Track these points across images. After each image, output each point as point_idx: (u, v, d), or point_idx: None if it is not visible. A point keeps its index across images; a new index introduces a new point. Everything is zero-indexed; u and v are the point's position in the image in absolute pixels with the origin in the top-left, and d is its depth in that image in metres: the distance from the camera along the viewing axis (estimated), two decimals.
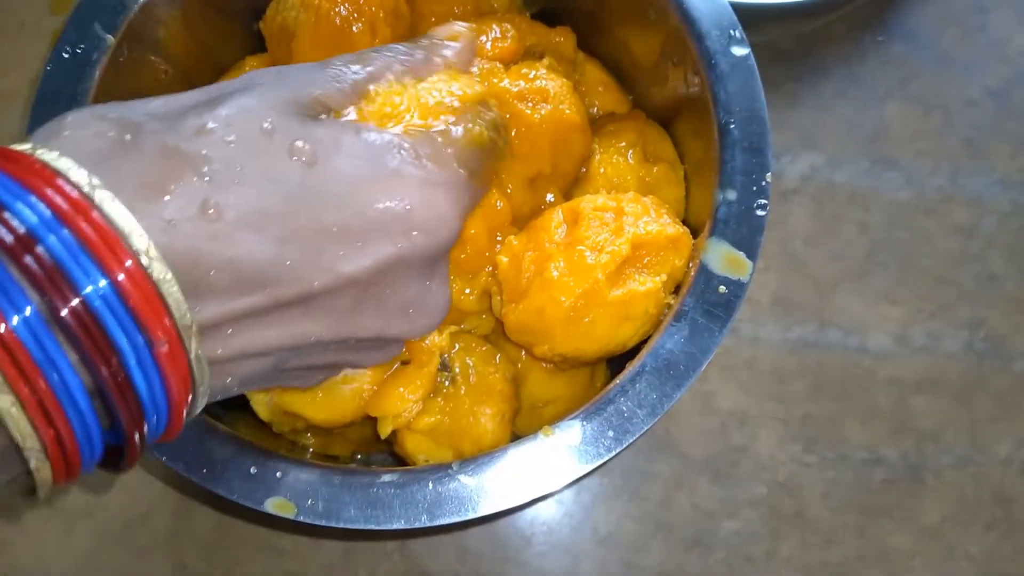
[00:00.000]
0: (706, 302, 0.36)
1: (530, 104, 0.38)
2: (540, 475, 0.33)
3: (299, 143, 0.25)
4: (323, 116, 0.27)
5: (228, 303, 0.24)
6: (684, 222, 0.40)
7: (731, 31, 0.39)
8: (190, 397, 0.24)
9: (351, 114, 0.28)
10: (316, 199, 0.25)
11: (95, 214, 0.21)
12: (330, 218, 0.25)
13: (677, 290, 0.38)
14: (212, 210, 0.23)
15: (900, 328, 0.53)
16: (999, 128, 0.58)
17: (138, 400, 0.22)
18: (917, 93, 0.58)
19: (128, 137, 0.23)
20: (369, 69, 0.30)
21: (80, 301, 0.21)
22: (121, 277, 0.21)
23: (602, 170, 0.42)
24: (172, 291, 0.22)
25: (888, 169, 0.56)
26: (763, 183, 0.37)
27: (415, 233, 0.27)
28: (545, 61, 0.40)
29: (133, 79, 0.41)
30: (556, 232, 0.38)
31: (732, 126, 0.38)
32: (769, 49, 0.58)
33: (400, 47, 0.33)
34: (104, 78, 0.39)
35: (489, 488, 0.33)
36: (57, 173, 0.21)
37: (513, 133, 0.39)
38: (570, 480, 0.33)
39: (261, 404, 0.38)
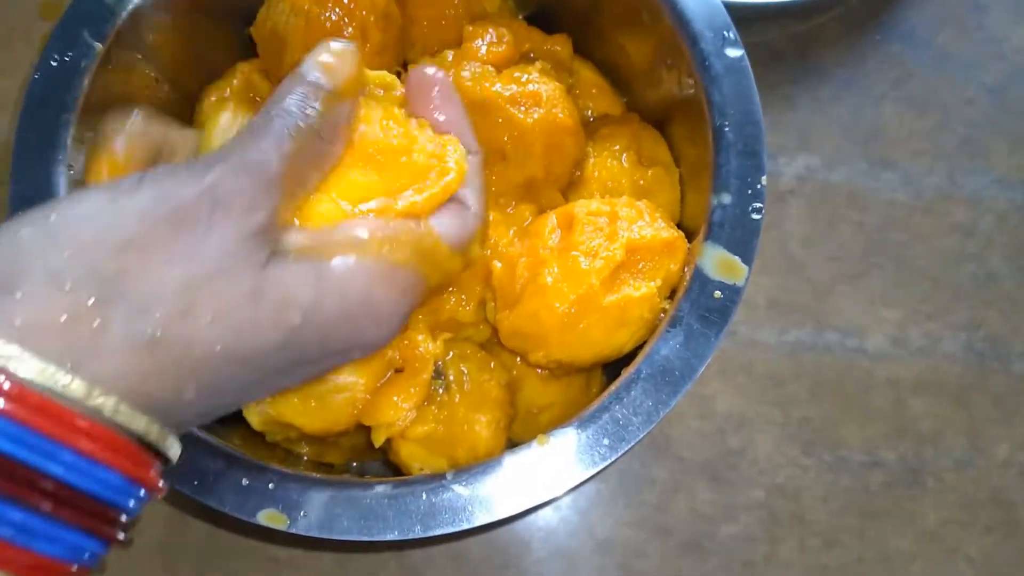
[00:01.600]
0: (702, 307, 0.36)
1: (523, 108, 0.38)
2: (535, 484, 0.33)
3: (284, 306, 0.25)
4: (278, 244, 0.26)
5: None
6: (679, 226, 0.40)
7: (725, 32, 0.39)
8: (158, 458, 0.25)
9: (294, 233, 0.27)
10: (291, 353, 0.26)
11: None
12: (299, 361, 0.27)
13: (672, 295, 0.38)
14: (190, 388, 0.24)
15: (898, 329, 0.53)
16: (996, 126, 0.57)
17: (99, 503, 0.23)
18: (914, 92, 0.58)
19: (98, 319, 0.22)
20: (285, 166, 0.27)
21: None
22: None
23: (596, 174, 0.42)
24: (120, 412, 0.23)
25: (885, 169, 0.56)
26: (758, 186, 0.37)
27: (359, 353, 0.29)
28: (537, 65, 0.40)
29: (122, 86, 0.41)
30: (550, 237, 0.38)
31: (727, 129, 0.38)
32: (764, 50, 0.58)
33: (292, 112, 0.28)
34: (93, 85, 0.39)
35: (484, 498, 0.33)
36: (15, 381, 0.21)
37: (506, 138, 0.39)
38: (565, 489, 0.33)
39: (254, 414, 0.38)
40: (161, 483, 0.25)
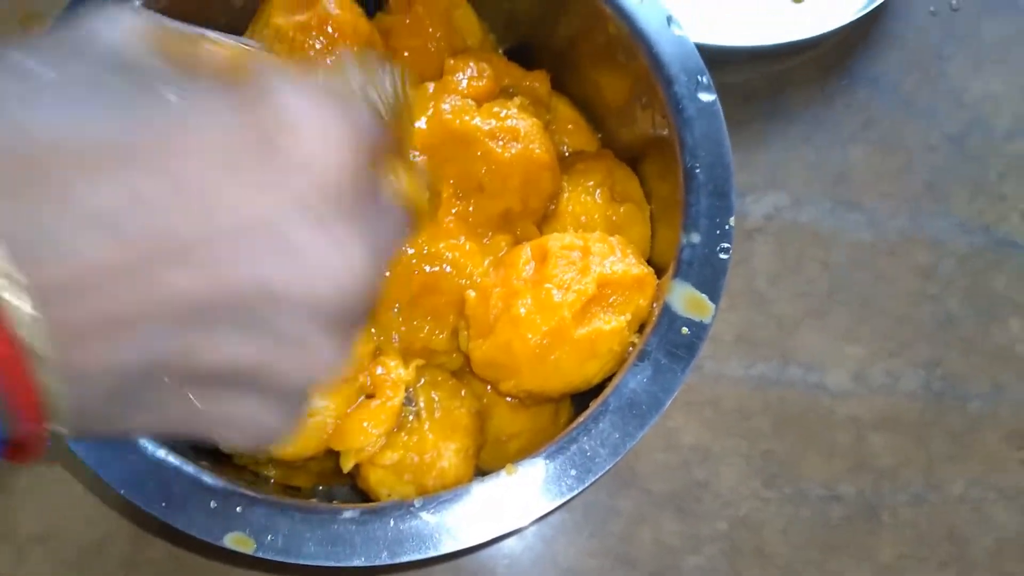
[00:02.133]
0: (669, 342, 0.36)
1: (501, 142, 0.39)
2: (502, 514, 0.33)
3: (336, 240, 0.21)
4: None
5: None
6: (649, 261, 0.40)
7: (699, 77, 0.40)
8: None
9: None
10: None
11: None
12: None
13: (641, 329, 0.39)
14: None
15: (860, 366, 0.54)
16: (957, 172, 0.59)
17: None
18: (879, 136, 0.60)
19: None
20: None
21: None
22: None
23: (570, 208, 0.43)
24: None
25: (851, 210, 0.58)
26: (727, 227, 0.38)
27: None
28: (516, 100, 0.41)
29: None
30: (524, 269, 0.38)
31: (697, 170, 0.39)
32: (737, 90, 0.59)
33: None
34: None
35: (451, 526, 0.33)
36: None
37: (484, 170, 0.39)
38: (532, 519, 0.33)
39: None
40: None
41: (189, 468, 0.34)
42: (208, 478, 0.34)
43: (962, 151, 0.60)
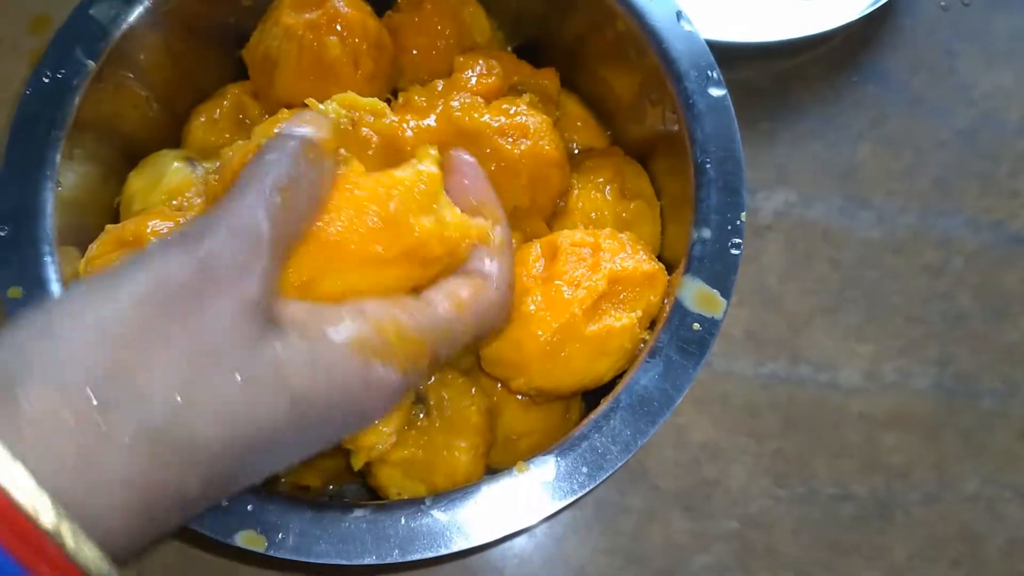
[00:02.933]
0: (680, 339, 0.36)
1: (510, 139, 0.39)
2: (513, 511, 0.33)
3: (278, 385, 0.24)
4: (272, 315, 0.25)
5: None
6: (660, 258, 0.40)
7: (709, 72, 0.40)
8: None
9: (292, 305, 0.26)
10: (291, 435, 0.25)
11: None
12: (301, 442, 0.26)
13: (652, 326, 0.39)
14: (192, 483, 0.23)
15: (870, 364, 0.54)
16: (967, 168, 0.59)
17: None
18: (888, 133, 0.59)
19: (96, 418, 0.22)
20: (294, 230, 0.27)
21: None
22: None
23: (580, 205, 0.43)
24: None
25: (860, 207, 0.57)
26: (738, 222, 0.38)
27: (357, 426, 0.29)
28: (526, 97, 0.41)
29: (112, 104, 0.41)
30: (534, 266, 0.38)
31: (708, 165, 0.39)
32: (746, 87, 0.59)
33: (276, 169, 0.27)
34: (84, 103, 0.39)
35: (462, 524, 0.33)
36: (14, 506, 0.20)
37: (493, 167, 0.39)
38: (543, 517, 0.33)
39: None
40: None
41: None
42: None
43: (972, 147, 0.59)
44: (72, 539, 0.21)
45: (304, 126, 0.28)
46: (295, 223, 0.27)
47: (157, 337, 0.23)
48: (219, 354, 0.23)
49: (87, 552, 0.21)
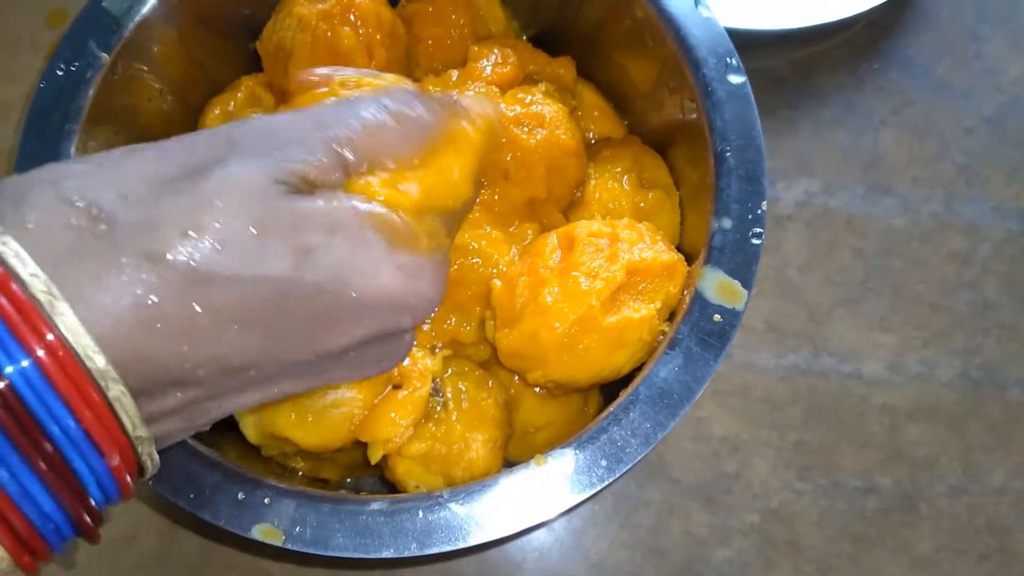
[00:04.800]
0: (701, 330, 0.36)
1: (526, 129, 0.38)
2: (532, 505, 0.33)
3: (292, 237, 0.24)
4: (311, 191, 0.25)
5: (209, 387, 0.24)
6: (679, 249, 0.40)
7: (728, 59, 0.39)
8: (137, 467, 0.24)
9: (338, 193, 0.26)
10: (306, 290, 0.24)
11: (50, 334, 0.21)
12: (319, 306, 0.25)
13: (671, 317, 0.38)
14: (200, 312, 0.22)
15: (894, 355, 0.53)
16: (994, 155, 0.58)
17: (80, 485, 0.22)
18: (912, 120, 0.58)
19: (103, 228, 0.22)
20: (362, 140, 0.27)
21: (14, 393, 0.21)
22: (85, 416, 0.21)
23: (597, 195, 0.42)
24: (124, 404, 0.22)
25: (883, 196, 0.56)
26: (759, 211, 0.37)
27: (400, 314, 0.26)
28: (542, 87, 0.40)
29: (127, 97, 0.41)
30: (551, 257, 0.38)
31: (728, 154, 0.38)
32: (766, 75, 0.58)
33: (403, 94, 0.29)
34: (98, 95, 0.39)
35: (480, 517, 0.33)
36: (12, 276, 0.21)
37: (508, 158, 0.39)
38: (562, 510, 0.33)
39: (250, 427, 0.38)
40: (132, 489, 0.24)
41: (217, 459, 0.34)
42: (236, 469, 0.34)
43: (999, 134, 0.58)
44: (66, 321, 0.21)
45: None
46: (376, 149, 0.26)
47: (169, 176, 0.23)
48: (232, 201, 0.23)
49: (129, 407, 0.22)
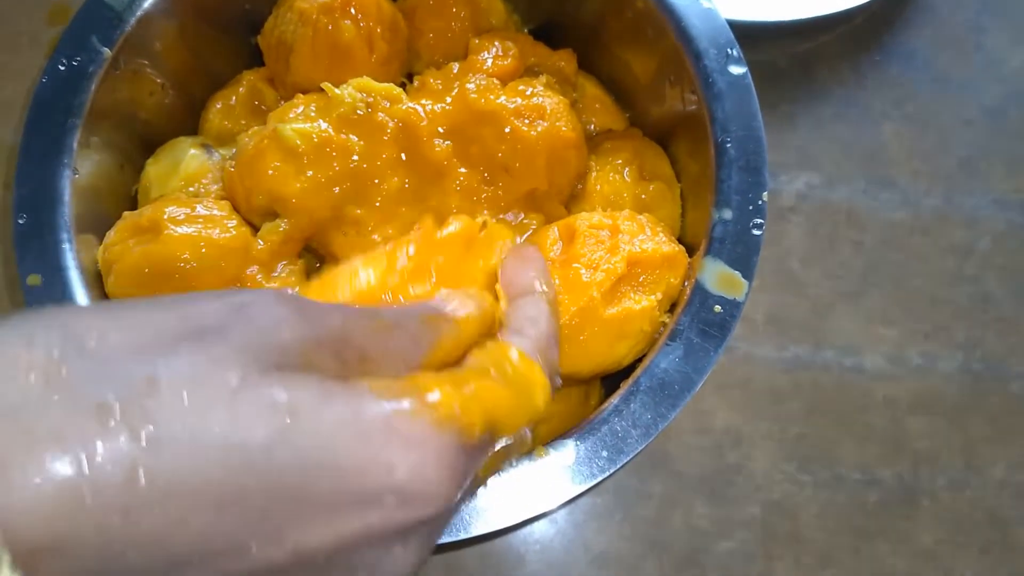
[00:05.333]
0: (701, 321, 0.36)
1: (527, 121, 0.38)
2: (533, 496, 0.33)
3: (273, 401, 0.20)
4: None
5: None
6: (680, 240, 0.40)
7: (729, 50, 0.39)
8: None
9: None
10: (281, 468, 0.19)
11: None
12: (300, 484, 0.20)
13: (672, 308, 0.38)
14: (141, 478, 0.18)
15: (895, 348, 0.53)
16: (994, 148, 0.58)
17: None
18: (913, 113, 0.58)
19: (59, 380, 0.19)
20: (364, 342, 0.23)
21: None
22: None
23: (598, 187, 0.42)
24: None
25: (884, 189, 0.56)
26: (759, 202, 0.37)
27: (394, 504, 0.21)
28: (542, 79, 0.40)
29: (128, 92, 0.41)
30: (551, 249, 0.38)
31: (729, 145, 0.38)
32: (767, 68, 0.58)
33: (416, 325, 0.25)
34: (99, 91, 0.39)
35: (481, 508, 0.33)
36: None
37: (509, 150, 0.39)
38: (563, 501, 0.33)
39: None
40: None
41: None
42: None
43: (1000, 126, 0.58)
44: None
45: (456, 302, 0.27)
46: (379, 350, 0.23)
47: (154, 333, 0.20)
48: (213, 362, 0.20)
49: None
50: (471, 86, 0.39)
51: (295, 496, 0.20)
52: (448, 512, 0.22)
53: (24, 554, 0.17)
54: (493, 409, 0.23)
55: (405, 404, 0.21)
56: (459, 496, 0.22)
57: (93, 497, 0.18)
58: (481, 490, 0.33)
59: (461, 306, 0.27)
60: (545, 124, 0.38)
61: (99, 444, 0.18)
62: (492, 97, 0.38)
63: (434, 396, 0.22)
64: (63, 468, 0.18)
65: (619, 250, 0.37)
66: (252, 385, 0.20)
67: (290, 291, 0.25)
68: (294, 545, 0.20)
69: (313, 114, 0.38)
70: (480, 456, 0.23)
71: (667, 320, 0.37)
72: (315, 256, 0.41)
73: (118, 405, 0.18)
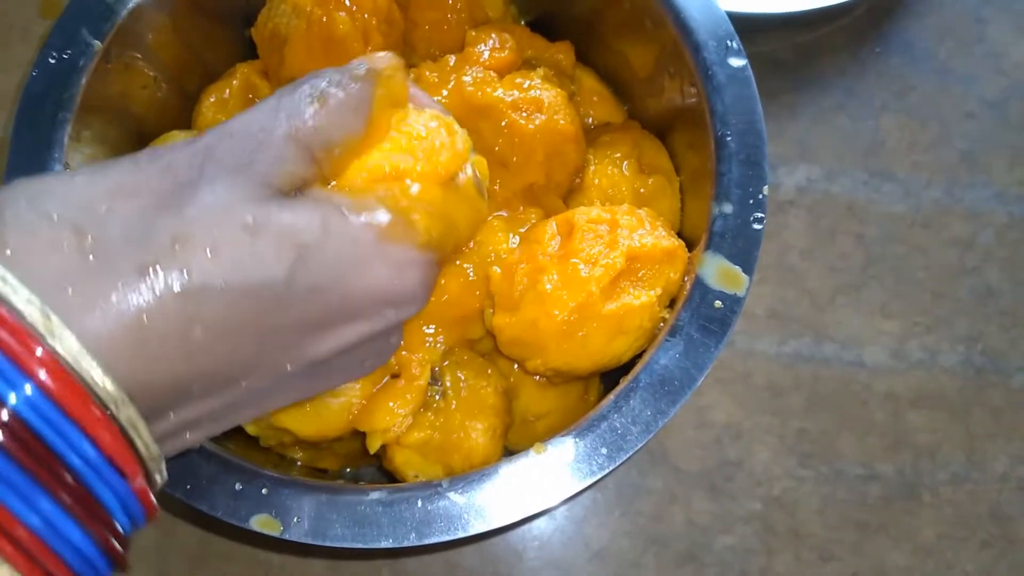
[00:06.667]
0: (702, 317, 0.35)
1: (524, 114, 0.38)
2: (532, 493, 0.33)
3: (283, 241, 0.23)
4: (297, 193, 0.25)
5: (203, 405, 0.24)
6: (679, 235, 0.39)
7: (728, 42, 0.39)
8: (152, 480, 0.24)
9: (323, 192, 0.26)
10: (299, 292, 0.24)
11: (50, 356, 0.20)
12: (312, 309, 0.24)
13: (672, 304, 0.38)
14: (194, 325, 0.22)
15: (896, 342, 0.52)
16: (996, 140, 0.57)
17: (107, 513, 0.22)
18: (914, 105, 0.58)
19: (89, 245, 0.21)
20: (326, 129, 0.26)
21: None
22: (98, 435, 0.21)
23: (596, 181, 0.42)
24: (136, 426, 0.22)
25: (885, 181, 0.56)
26: (760, 196, 0.37)
27: (389, 311, 0.26)
28: (540, 71, 0.40)
29: (120, 84, 0.41)
30: (550, 244, 0.37)
31: (729, 138, 0.37)
32: (767, 60, 0.58)
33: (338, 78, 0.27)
34: (91, 84, 0.39)
35: (479, 506, 0.32)
36: (6, 304, 0.20)
37: (507, 144, 0.38)
38: (562, 499, 0.33)
39: None
40: (157, 510, 0.24)
41: (214, 450, 0.34)
42: (233, 460, 0.34)
43: (1002, 118, 0.57)
44: (69, 347, 0.20)
45: (370, 60, 0.28)
46: (334, 130, 0.25)
47: (150, 190, 0.23)
48: (217, 207, 0.23)
49: (70, 342, 0.20)
50: (468, 79, 0.38)
51: (310, 319, 0.24)
52: (423, 307, 0.28)
53: (121, 385, 0.21)
54: (462, 230, 0.29)
55: (394, 230, 0.25)
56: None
57: (159, 341, 0.21)
58: (481, 487, 0.33)
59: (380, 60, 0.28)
60: (543, 117, 0.38)
61: (152, 302, 0.21)
62: (489, 90, 0.38)
63: (416, 217, 0.26)
64: (131, 327, 0.21)
65: (618, 245, 0.36)
66: (263, 225, 0.23)
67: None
68: (320, 352, 0.25)
69: None
70: (443, 262, 0.29)
71: (667, 315, 0.37)
72: None
73: (157, 266, 0.21)
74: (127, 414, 0.21)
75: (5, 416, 0.19)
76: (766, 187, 0.37)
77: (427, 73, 0.39)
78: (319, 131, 0.25)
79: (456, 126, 0.30)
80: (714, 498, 0.49)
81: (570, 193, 0.42)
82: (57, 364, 0.20)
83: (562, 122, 0.38)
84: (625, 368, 0.37)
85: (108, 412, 0.21)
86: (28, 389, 0.20)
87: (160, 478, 0.24)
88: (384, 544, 0.32)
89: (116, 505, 0.22)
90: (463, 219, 0.29)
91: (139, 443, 0.22)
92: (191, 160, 0.24)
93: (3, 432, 0.19)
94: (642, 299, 0.36)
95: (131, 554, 0.45)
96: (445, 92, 0.38)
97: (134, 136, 0.43)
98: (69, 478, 0.20)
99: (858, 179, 0.56)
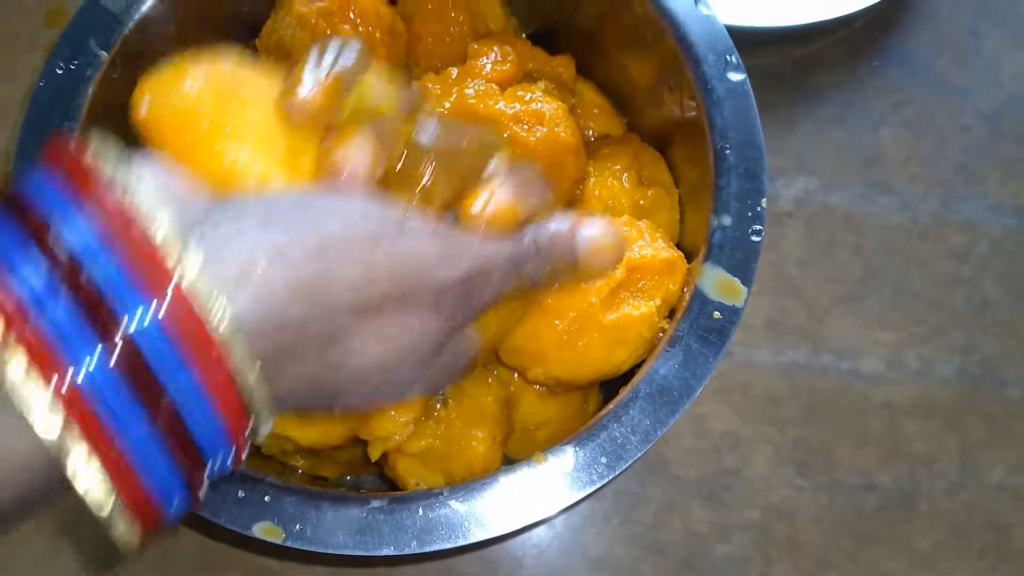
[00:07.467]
0: (700, 327, 0.36)
1: (525, 126, 0.38)
2: (532, 502, 0.33)
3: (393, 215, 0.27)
4: None
5: (303, 367, 0.25)
6: (678, 246, 0.40)
7: (727, 56, 0.39)
8: (249, 429, 0.24)
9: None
10: (397, 274, 0.26)
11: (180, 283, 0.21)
12: (404, 285, 0.26)
13: (671, 314, 0.38)
14: (320, 269, 0.24)
15: (893, 352, 0.53)
16: (992, 153, 0.58)
17: (197, 446, 0.22)
18: (911, 118, 0.58)
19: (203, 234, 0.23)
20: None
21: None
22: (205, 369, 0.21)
23: (596, 193, 0.42)
24: (247, 372, 0.22)
25: (882, 193, 0.56)
26: (758, 208, 0.37)
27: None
28: (541, 84, 0.40)
29: (126, 95, 0.41)
30: None
31: (728, 151, 0.38)
32: (765, 73, 0.58)
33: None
34: (97, 95, 0.39)
35: (480, 514, 0.33)
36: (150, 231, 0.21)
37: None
38: (562, 508, 0.33)
39: None
40: (244, 457, 0.24)
41: None
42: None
43: (997, 131, 0.58)
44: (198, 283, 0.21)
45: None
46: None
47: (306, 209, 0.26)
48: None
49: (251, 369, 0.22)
50: (470, 91, 0.39)
51: (404, 292, 0.26)
52: None
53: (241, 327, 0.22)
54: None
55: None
56: None
57: (271, 294, 0.23)
58: (481, 495, 0.33)
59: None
60: (544, 130, 0.38)
61: (284, 237, 0.24)
62: (491, 103, 0.38)
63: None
64: (248, 273, 0.23)
65: None
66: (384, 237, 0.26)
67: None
68: (432, 282, 0.27)
69: None
70: None
71: (666, 326, 0.37)
72: None
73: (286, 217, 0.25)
74: (240, 355, 0.22)
75: (120, 338, 0.20)
76: (764, 200, 0.37)
77: (430, 85, 0.40)
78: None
79: None
80: (712, 507, 0.49)
81: (570, 205, 0.42)
82: (181, 294, 0.21)
83: (563, 134, 0.39)
84: (624, 378, 0.37)
85: (225, 353, 0.22)
86: (151, 312, 0.20)
87: (265, 428, 0.25)
88: (385, 552, 0.32)
89: (208, 445, 0.22)
90: None
91: (246, 387, 0.22)
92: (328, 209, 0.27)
93: (118, 352, 0.20)
94: (642, 310, 0.37)
95: (133, 562, 0.45)
96: (447, 104, 0.39)
97: (141, 146, 0.43)
98: (169, 407, 0.21)
99: (855, 191, 0.56)
